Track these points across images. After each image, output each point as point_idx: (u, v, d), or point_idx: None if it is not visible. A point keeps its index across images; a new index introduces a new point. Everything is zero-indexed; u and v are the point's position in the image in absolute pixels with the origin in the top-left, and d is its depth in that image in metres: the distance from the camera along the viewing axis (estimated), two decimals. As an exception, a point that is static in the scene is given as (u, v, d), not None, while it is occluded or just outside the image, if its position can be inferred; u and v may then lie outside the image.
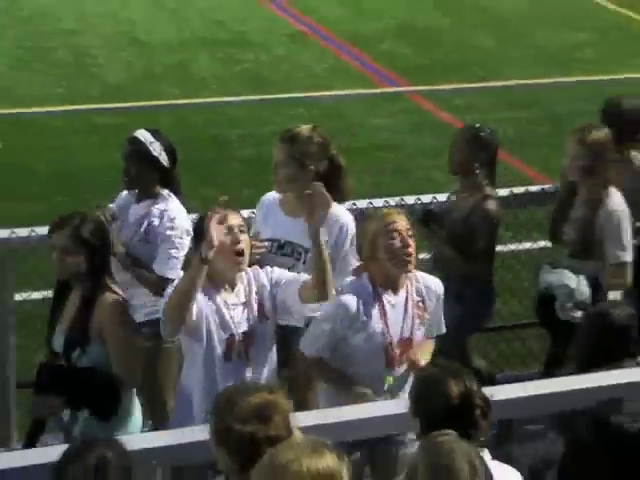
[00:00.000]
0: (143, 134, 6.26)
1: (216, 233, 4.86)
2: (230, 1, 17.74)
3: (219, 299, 5.28)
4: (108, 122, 11.90)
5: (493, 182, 6.71)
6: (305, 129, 6.15)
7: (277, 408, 3.54)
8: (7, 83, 13.38)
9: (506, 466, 3.82)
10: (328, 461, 2.89)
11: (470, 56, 15.17)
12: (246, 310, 5.36)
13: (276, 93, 13.31)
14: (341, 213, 5.97)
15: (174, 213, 6.28)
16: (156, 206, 6.27)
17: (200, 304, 5.02)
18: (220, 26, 16.50)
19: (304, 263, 5.78)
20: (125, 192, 6.45)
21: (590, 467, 4.12)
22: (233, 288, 5.35)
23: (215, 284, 5.20)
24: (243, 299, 5.36)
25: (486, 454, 3.43)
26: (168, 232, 6.26)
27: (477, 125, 7.00)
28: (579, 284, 6.54)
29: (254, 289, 5.40)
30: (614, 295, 6.34)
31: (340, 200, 6.08)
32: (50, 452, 3.81)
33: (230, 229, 5.08)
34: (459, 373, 3.84)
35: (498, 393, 4.19)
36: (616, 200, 6.47)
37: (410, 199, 6.83)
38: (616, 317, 5.49)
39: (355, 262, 5.78)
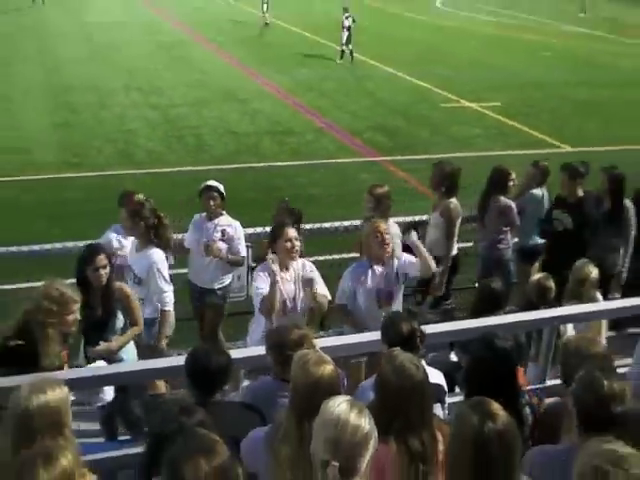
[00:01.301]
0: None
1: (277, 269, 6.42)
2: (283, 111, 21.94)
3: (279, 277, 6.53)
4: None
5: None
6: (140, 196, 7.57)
7: (307, 338, 4.76)
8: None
9: (432, 369, 4.79)
10: (329, 368, 3.90)
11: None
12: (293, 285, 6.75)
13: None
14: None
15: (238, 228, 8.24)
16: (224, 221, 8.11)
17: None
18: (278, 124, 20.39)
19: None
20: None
21: (480, 373, 4.29)
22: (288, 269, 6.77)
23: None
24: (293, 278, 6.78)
25: (423, 362, 4.16)
26: (237, 236, 8.21)
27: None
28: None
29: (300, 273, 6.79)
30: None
31: (164, 247, 7.34)
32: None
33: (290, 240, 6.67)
34: (408, 318, 5.03)
35: (431, 329, 5.35)
36: None
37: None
38: (494, 286, 6.91)
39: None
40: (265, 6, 37.37)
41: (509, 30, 37.77)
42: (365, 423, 3.16)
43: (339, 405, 3.19)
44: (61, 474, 3.03)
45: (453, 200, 8.69)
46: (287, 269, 6.71)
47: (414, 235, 7.07)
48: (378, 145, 18.87)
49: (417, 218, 9.26)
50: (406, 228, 7.60)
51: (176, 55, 29.82)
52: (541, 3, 49.69)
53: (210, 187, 8.09)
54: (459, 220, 8.74)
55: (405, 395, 3.78)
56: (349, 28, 29.23)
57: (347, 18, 29.52)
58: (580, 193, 9.11)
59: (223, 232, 8.12)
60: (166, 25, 37.00)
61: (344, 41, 29.34)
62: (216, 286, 8.37)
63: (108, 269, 6.36)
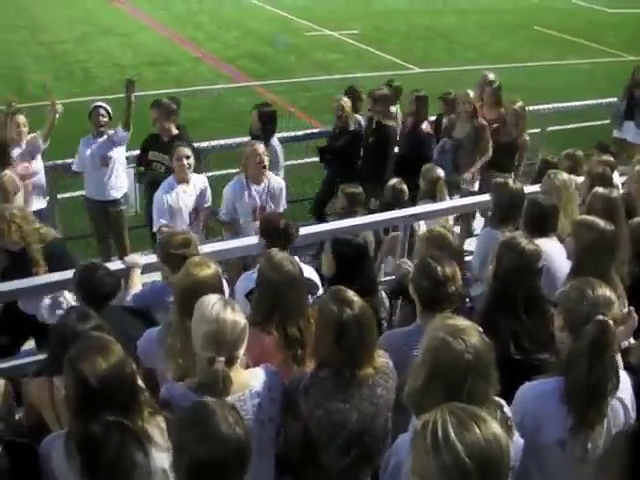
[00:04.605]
0: None
1: None
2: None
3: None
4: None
5: None
6: None
7: (190, 241, 4.71)
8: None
9: (305, 266, 4.85)
10: (208, 269, 3.91)
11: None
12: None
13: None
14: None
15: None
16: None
17: None
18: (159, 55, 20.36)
19: None
20: None
21: (339, 265, 4.44)
22: None
23: None
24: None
25: (297, 259, 4.23)
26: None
27: None
28: None
29: None
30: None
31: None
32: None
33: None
34: (282, 215, 5.13)
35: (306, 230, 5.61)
36: None
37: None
38: (356, 191, 7.01)
39: None
40: None
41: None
42: (240, 317, 3.20)
43: (215, 304, 3.20)
44: None
45: None
46: (187, 183, 6.94)
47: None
48: (250, 71, 18.66)
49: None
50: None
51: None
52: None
53: (99, 106, 8.09)
54: None
55: (283, 288, 3.84)
56: None
57: None
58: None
59: (113, 142, 8.09)
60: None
61: None
62: (118, 195, 8.28)
63: None
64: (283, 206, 7.22)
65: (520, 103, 8.96)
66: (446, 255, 4.06)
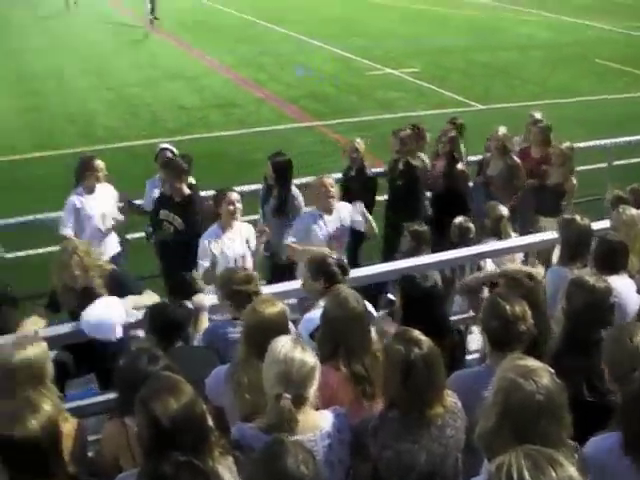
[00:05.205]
0: None
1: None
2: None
3: None
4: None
5: None
6: None
7: (253, 277, 4.79)
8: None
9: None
10: (275, 308, 3.94)
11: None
12: None
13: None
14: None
15: None
16: None
17: None
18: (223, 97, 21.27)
19: None
20: None
21: (408, 306, 4.38)
22: None
23: None
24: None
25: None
26: None
27: None
28: None
29: None
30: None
31: None
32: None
33: None
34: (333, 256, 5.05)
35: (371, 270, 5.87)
36: None
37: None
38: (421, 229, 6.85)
39: None
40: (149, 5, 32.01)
41: (419, 3, 37.60)
42: (309, 357, 3.24)
43: (284, 344, 3.25)
44: (47, 420, 3.00)
45: None
46: (232, 229, 6.78)
47: (361, 204, 7.24)
48: (312, 111, 18.77)
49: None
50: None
51: (126, 40, 29.03)
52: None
53: (165, 148, 8.24)
54: None
55: (347, 326, 3.85)
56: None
57: None
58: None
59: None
60: (116, 13, 35.89)
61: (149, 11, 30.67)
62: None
63: None
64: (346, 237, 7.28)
65: (567, 144, 8.66)
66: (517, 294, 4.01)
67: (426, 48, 26.20)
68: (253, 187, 8.68)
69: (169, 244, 7.33)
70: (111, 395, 4.45)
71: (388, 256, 7.38)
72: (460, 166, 8.72)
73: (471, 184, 8.94)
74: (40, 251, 8.54)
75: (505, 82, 21.60)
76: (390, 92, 20.45)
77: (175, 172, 7.56)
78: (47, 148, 15.48)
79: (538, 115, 9.41)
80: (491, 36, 28.93)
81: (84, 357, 5.40)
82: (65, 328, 5.02)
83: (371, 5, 37.30)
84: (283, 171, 7.76)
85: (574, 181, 8.60)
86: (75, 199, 7.65)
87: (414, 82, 21.54)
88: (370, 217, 7.32)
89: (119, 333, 4.94)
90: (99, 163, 7.77)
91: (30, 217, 8.26)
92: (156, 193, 8.05)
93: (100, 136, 16.65)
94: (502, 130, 8.80)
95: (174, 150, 8.22)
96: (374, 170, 9.00)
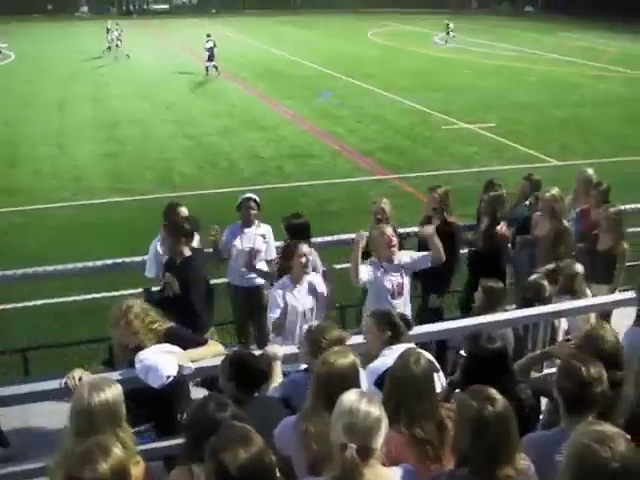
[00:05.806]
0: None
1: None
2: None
3: None
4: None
5: None
6: None
7: (344, 340, 4.64)
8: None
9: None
10: (345, 359, 3.91)
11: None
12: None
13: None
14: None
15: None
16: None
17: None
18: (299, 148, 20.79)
19: None
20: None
21: (473, 367, 4.33)
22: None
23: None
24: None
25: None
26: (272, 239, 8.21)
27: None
28: None
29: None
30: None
31: None
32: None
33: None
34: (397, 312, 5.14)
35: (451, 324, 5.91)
36: None
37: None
38: (495, 286, 6.65)
39: None
40: (206, 55, 33.05)
41: (496, 59, 37.68)
42: (374, 409, 3.22)
43: (350, 396, 3.25)
44: (117, 463, 3.04)
45: None
46: (301, 282, 6.73)
47: (430, 227, 7.24)
48: (387, 164, 18.85)
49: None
50: (423, 222, 7.94)
51: (205, 90, 29.89)
52: (522, 37, 49.50)
53: (249, 198, 8.12)
54: None
55: (412, 387, 3.80)
56: (210, 49, 32.30)
57: (208, 42, 32.56)
58: None
59: (264, 236, 8.11)
60: (193, 63, 36.84)
61: (206, 59, 32.44)
62: (262, 282, 8.19)
63: None
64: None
65: (615, 208, 8.26)
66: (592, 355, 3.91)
67: (502, 103, 26.25)
68: (328, 238, 8.67)
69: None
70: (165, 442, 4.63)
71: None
72: (500, 228, 8.49)
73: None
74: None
75: (582, 138, 21.34)
76: (466, 147, 20.49)
77: (176, 235, 7.26)
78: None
79: (595, 177, 9.16)
80: (568, 91, 28.78)
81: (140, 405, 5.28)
82: (115, 375, 4.98)
83: (447, 60, 37.60)
84: (299, 233, 7.54)
85: (625, 245, 8.19)
86: (157, 244, 7.70)
87: (490, 136, 21.56)
88: (437, 239, 7.14)
89: (164, 380, 4.86)
90: (184, 210, 7.85)
91: (118, 260, 8.26)
92: (236, 242, 8.13)
93: (177, 183, 17.07)
94: (553, 191, 8.49)
95: (257, 200, 8.12)
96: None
